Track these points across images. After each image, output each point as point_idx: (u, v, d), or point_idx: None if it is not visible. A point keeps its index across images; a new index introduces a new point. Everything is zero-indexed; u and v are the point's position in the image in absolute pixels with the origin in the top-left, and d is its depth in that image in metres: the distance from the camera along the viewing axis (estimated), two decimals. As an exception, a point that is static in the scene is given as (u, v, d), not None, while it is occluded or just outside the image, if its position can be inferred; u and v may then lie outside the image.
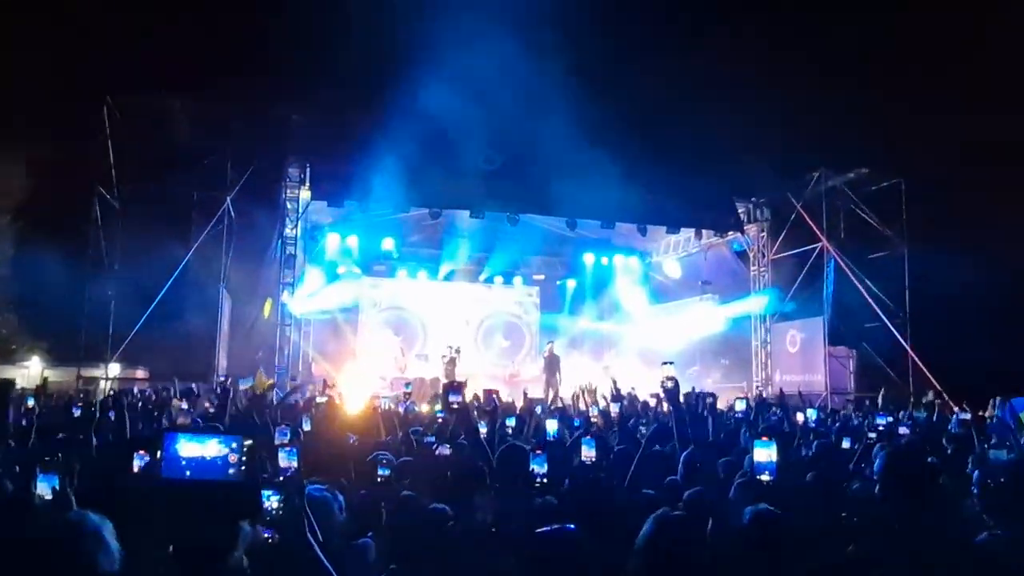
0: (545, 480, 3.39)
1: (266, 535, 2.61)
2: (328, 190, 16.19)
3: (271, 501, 2.78)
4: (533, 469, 3.39)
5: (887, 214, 16.46)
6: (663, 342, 21.62)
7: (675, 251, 22.21)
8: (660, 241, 22.38)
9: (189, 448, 1.87)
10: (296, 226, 17.27)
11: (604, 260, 23.06)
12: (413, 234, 21.35)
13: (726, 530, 3.20)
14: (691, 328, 21.37)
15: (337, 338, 21.56)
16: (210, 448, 1.86)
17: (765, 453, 2.87)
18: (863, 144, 16.19)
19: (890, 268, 16.34)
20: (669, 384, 3.94)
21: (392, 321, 23.53)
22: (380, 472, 4.27)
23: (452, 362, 19.30)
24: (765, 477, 2.79)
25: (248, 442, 1.84)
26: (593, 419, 7.46)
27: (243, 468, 1.82)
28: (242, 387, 9.69)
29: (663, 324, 22.88)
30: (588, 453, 4.48)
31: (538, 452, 3.51)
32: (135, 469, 3.68)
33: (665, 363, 4.02)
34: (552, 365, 19.06)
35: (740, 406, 7.15)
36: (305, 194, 17.11)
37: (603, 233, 19.95)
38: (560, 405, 10.93)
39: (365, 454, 5.41)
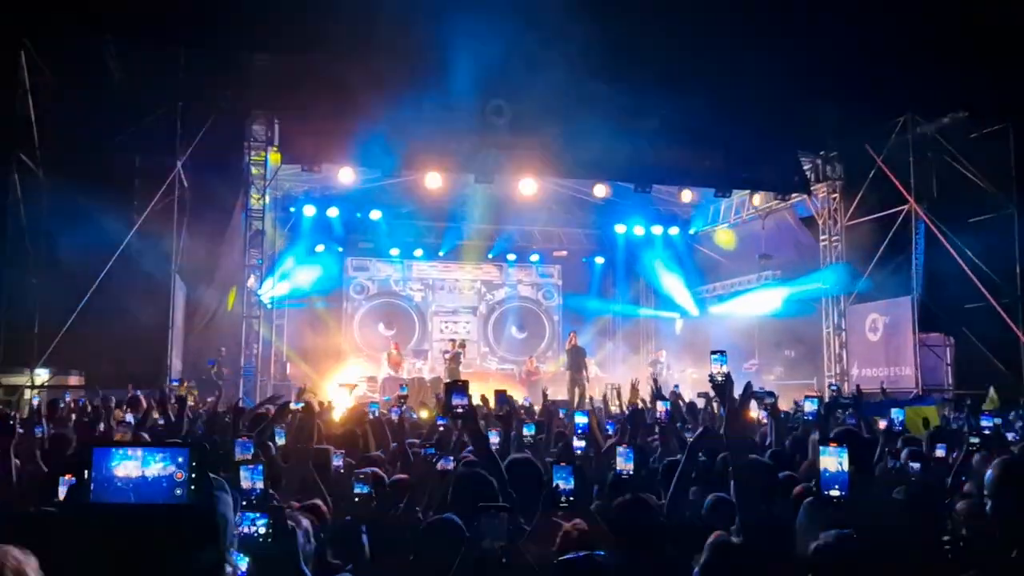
0: (572, 498, 3.35)
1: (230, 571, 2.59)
2: (301, 151, 16.16)
3: (257, 527, 2.77)
4: (558, 485, 3.35)
5: (992, 167, 16.17)
6: (713, 330, 21.53)
7: (726, 219, 22.05)
8: (708, 207, 22.22)
9: (124, 465, 1.83)
10: (263, 196, 17.28)
11: (639, 231, 22.94)
12: (406, 204, 21.31)
13: (792, 558, 3.14)
14: (747, 313, 21.25)
15: (316, 332, 21.67)
16: (150, 464, 1.82)
17: (834, 462, 2.80)
18: (961, 80, 15.86)
19: (996, 234, 16.07)
20: (720, 380, 3.86)
21: (383, 310, 23.61)
22: (356, 490, 4.27)
23: (456, 359, 19.35)
24: (835, 492, 2.71)
25: (196, 454, 1.81)
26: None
27: (192, 487, 1.78)
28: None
29: (712, 308, 22.77)
30: (625, 465, 4.44)
31: (563, 464, 3.46)
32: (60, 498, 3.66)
33: (715, 354, 3.93)
34: (576, 359, 19.05)
35: (809, 406, 7.06)
36: (274, 157, 17.10)
37: (637, 199, 19.82)
38: (589, 408, 10.92)
39: (351, 471, 5.41)
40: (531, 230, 23.68)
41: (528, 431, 7.03)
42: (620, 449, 4.62)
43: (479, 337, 24.18)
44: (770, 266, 20.69)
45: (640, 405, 8.09)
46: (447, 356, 19.72)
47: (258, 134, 16.99)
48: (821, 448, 2.86)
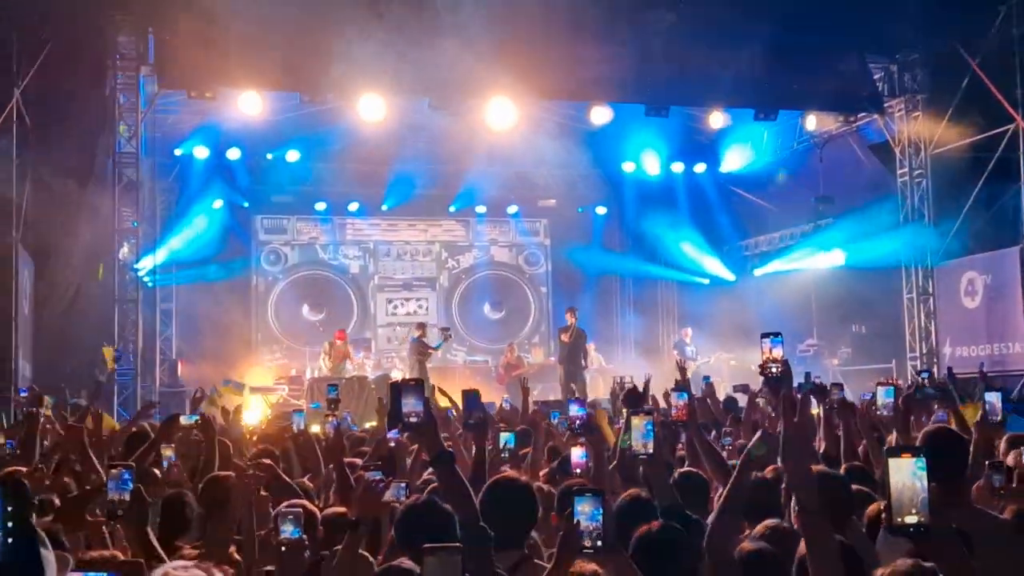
0: (600, 541, 3.28)
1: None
2: (187, 71, 15.97)
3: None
4: (578, 522, 3.29)
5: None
6: (754, 300, 21.64)
7: (769, 150, 22.08)
8: (745, 135, 22.22)
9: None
10: (136, 134, 17.07)
11: (653, 169, 22.92)
12: (336, 141, 21.13)
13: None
14: (802, 277, 21.34)
15: (217, 319, 21.55)
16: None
17: (907, 476, 2.77)
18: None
19: None
20: (775, 371, 3.86)
21: (307, 286, 23.51)
22: (283, 533, 4.22)
23: (415, 347, 18.80)
24: (911, 519, 2.68)
25: (11, 495, 1.77)
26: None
27: (8, 539, 1.75)
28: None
29: (753, 270, 22.86)
30: (642, 444, 4.48)
31: (587, 492, 3.39)
32: None
33: (767, 336, 3.94)
34: (574, 346, 19.03)
35: (884, 399, 7.11)
36: (150, 82, 16.90)
37: (650, 126, 19.80)
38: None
39: (268, 509, 5.40)
40: (507, 172, 23.56)
41: (508, 443, 7.01)
42: (636, 421, 4.61)
43: (441, 319, 24.14)
44: (830, 212, 20.74)
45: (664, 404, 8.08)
46: (429, 350, 19.09)
47: (126, 49, 16.74)
48: (890, 459, 2.84)
